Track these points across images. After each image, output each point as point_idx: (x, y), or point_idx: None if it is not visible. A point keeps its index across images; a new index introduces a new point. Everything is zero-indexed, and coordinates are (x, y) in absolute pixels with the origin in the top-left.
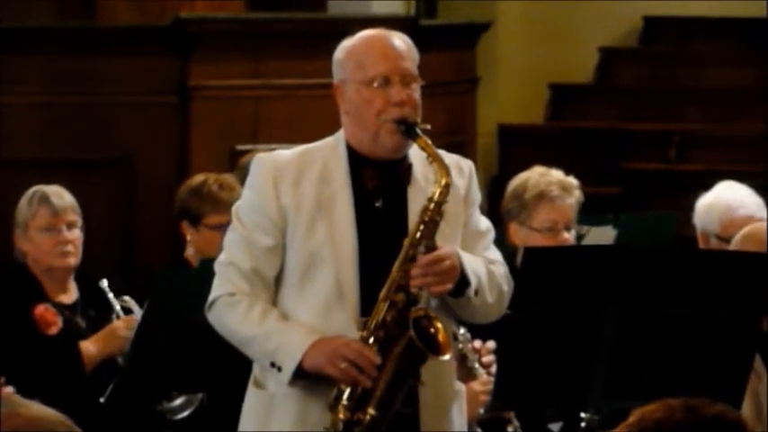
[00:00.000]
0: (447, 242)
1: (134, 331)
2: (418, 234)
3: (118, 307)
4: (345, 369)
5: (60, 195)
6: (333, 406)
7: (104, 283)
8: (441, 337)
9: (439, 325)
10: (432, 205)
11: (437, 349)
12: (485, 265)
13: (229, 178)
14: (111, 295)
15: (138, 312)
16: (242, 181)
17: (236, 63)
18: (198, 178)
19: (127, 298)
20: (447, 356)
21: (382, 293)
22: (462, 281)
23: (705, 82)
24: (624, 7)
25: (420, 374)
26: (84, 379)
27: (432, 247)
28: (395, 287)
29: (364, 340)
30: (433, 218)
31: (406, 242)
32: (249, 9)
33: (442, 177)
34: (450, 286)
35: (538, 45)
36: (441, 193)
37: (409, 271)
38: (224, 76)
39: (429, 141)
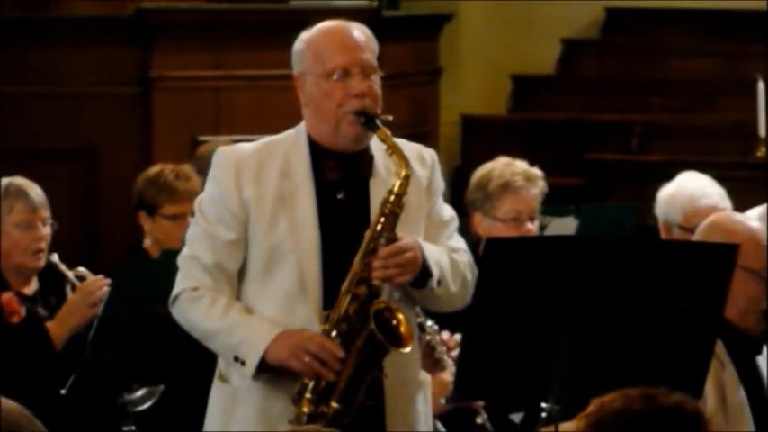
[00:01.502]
0: (410, 233)
1: (92, 295)
2: (379, 226)
3: (71, 275)
4: (308, 363)
5: (35, 190)
6: (296, 399)
7: (55, 257)
8: (403, 329)
9: (401, 317)
10: (392, 197)
11: (399, 342)
12: (447, 255)
13: (186, 168)
14: (63, 267)
15: (91, 276)
16: (199, 171)
17: (198, 54)
18: (154, 169)
19: (81, 269)
20: (408, 349)
21: (344, 286)
22: (424, 271)
23: (667, 73)
24: None
25: (383, 367)
26: (55, 359)
27: (393, 240)
28: (356, 280)
29: (326, 333)
30: (394, 210)
31: (367, 235)
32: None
33: (402, 169)
34: (410, 277)
35: (500, 36)
36: (401, 185)
37: (370, 263)
38: (186, 66)
39: (389, 133)
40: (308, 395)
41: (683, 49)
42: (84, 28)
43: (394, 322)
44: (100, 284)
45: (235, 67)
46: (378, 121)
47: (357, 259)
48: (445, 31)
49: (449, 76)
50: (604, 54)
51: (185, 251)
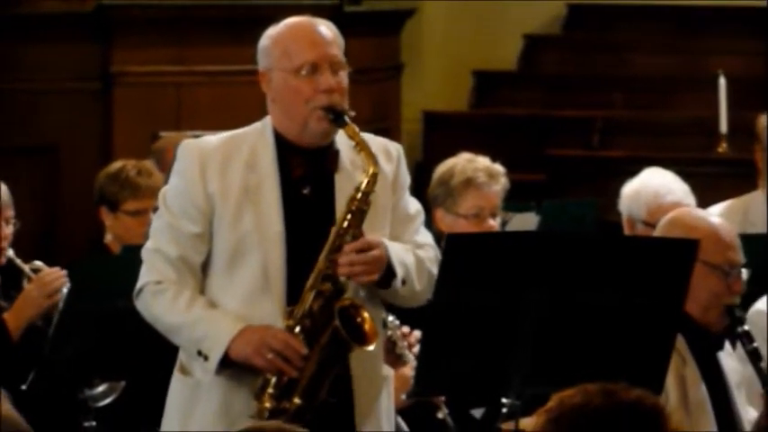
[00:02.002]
0: (376, 229)
1: (48, 286)
2: (345, 223)
3: (27, 269)
4: (271, 360)
5: (2, 188)
6: (258, 395)
7: (10, 252)
8: (367, 326)
9: (365, 315)
10: (359, 195)
11: (363, 339)
12: (413, 252)
13: (148, 164)
14: (18, 261)
15: (46, 269)
16: (158, 164)
17: (159, 49)
18: (116, 164)
19: (37, 262)
20: (372, 347)
21: (309, 282)
22: (389, 271)
23: (628, 69)
24: None
25: (348, 363)
26: (12, 349)
27: (359, 237)
28: (321, 276)
29: (290, 329)
30: (360, 207)
31: (333, 231)
32: None
33: (370, 166)
34: (376, 276)
35: (462, 32)
36: (368, 183)
37: (336, 260)
38: (147, 62)
39: (357, 129)
40: (270, 390)
41: (644, 46)
42: (44, 24)
43: (358, 320)
44: (56, 276)
45: (196, 62)
46: (346, 118)
47: (322, 256)
48: (407, 26)
49: (410, 71)
50: (566, 50)
51: (149, 244)
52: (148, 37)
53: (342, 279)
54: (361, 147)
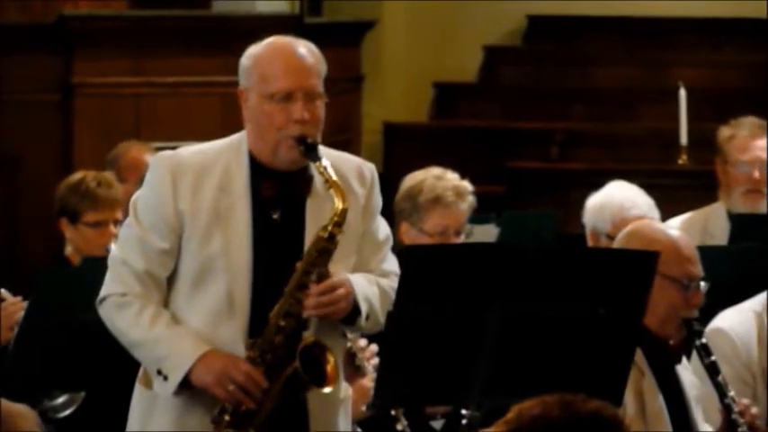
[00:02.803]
0: (344, 255)
1: (17, 318)
2: (311, 261)
3: None
4: (232, 391)
5: None
6: (216, 419)
7: None
8: (329, 368)
9: (329, 357)
10: (325, 234)
11: (322, 381)
12: (376, 284)
13: (108, 175)
14: None
15: (11, 298)
16: (115, 174)
17: (120, 60)
18: (76, 176)
19: (2, 290)
20: (329, 389)
21: (272, 316)
22: (353, 308)
23: (589, 81)
24: (508, 6)
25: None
26: None
27: (325, 275)
28: (284, 312)
29: (252, 361)
30: (327, 247)
31: (299, 268)
32: (132, 6)
33: (338, 203)
34: (342, 314)
35: (422, 43)
36: (335, 223)
37: (301, 299)
38: (107, 73)
39: (327, 165)
40: (227, 418)
41: (604, 57)
42: (5, 35)
43: (321, 359)
44: (16, 308)
45: (156, 73)
46: (319, 152)
47: (287, 292)
48: (367, 38)
49: (371, 83)
50: (526, 62)
51: (117, 252)
52: (108, 48)
53: (305, 316)
54: (331, 184)
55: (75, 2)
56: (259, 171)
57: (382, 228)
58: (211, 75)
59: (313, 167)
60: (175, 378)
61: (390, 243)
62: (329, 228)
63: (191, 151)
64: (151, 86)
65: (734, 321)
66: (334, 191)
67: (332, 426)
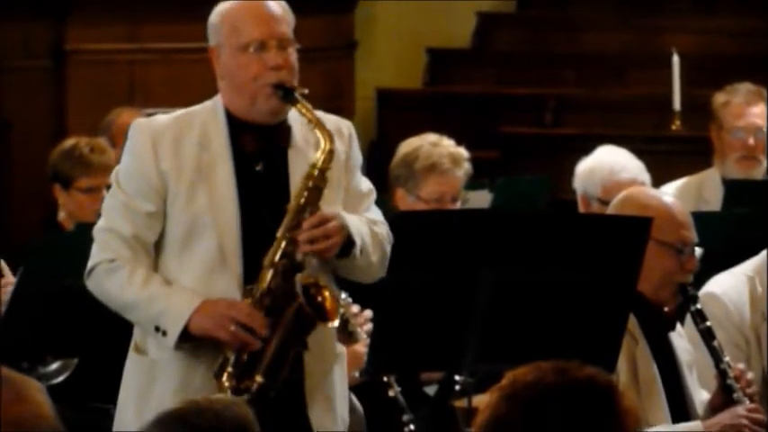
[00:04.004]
0: (329, 206)
1: (7, 294)
2: (302, 200)
3: None
4: (235, 332)
5: None
6: (218, 374)
7: None
8: (328, 304)
9: (327, 293)
10: (315, 172)
11: (325, 316)
12: (368, 225)
13: (101, 141)
14: None
15: (9, 275)
16: (108, 140)
17: (113, 27)
18: (69, 142)
19: (1, 262)
20: (335, 323)
21: (266, 260)
22: (347, 241)
23: (582, 47)
24: None
25: (306, 342)
26: None
27: (316, 213)
28: (280, 253)
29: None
30: (317, 184)
31: (291, 208)
32: None
33: (325, 143)
34: (337, 248)
35: (415, 10)
36: (324, 160)
37: (294, 238)
38: (100, 40)
39: (309, 106)
40: (230, 369)
41: (597, 23)
42: None
43: (319, 298)
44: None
45: (149, 40)
46: (296, 95)
47: (280, 233)
48: (360, 4)
49: (364, 49)
50: (519, 28)
51: (101, 223)
52: (101, 15)
53: (299, 256)
54: (315, 123)
55: None
56: (237, 126)
57: (364, 181)
58: (204, 41)
59: (295, 116)
60: (175, 331)
61: (374, 195)
62: (319, 164)
63: (167, 116)
64: (144, 53)
65: (726, 286)
66: (319, 130)
67: (329, 378)
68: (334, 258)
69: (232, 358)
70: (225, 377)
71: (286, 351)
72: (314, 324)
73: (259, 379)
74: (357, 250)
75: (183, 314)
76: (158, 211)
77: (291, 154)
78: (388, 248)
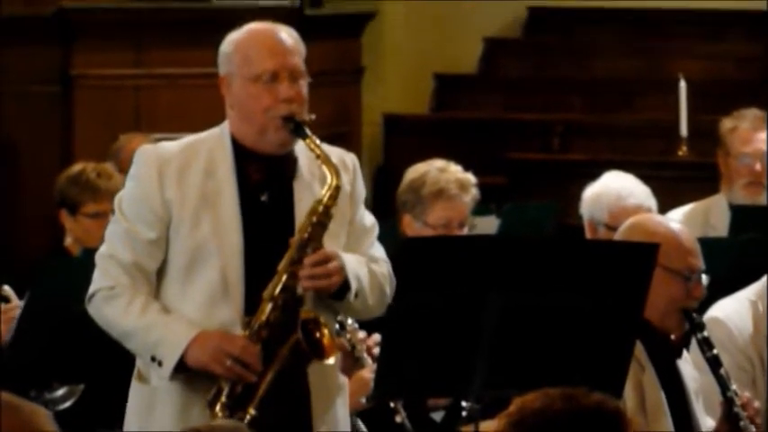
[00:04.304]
0: (332, 240)
1: (13, 319)
2: (305, 236)
3: None
4: (230, 366)
5: None
6: (212, 403)
7: None
8: (326, 341)
9: (326, 330)
10: (320, 208)
11: (322, 353)
12: (366, 266)
13: (108, 167)
14: None
15: (16, 301)
16: (116, 165)
17: (120, 52)
18: (76, 167)
19: (6, 287)
20: (331, 360)
21: (267, 293)
22: (343, 283)
23: (589, 72)
24: None
25: (307, 375)
26: None
27: (318, 250)
28: (280, 287)
29: (247, 339)
30: (322, 220)
31: (294, 242)
32: None
33: (332, 179)
34: (334, 287)
35: (423, 35)
36: (330, 197)
37: (296, 272)
38: (107, 65)
39: (318, 141)
40: (223, 399)
41: (605, 49)
42: (5, 27)
43: (318, 334)
44: (14, 311)
45: (155, 65)
46: (307, 129)
47: (282, 267)
48: (368, 29)
49: (371, 75)
50: (526, 53)
51: (103, 249)
52: (108, 40)
53: (300, 291)
54: (323, 159)
55: None
56: (244, 155)
57: (368, 215)
58: (211, 66)
59: (301, 147)
60: (170, 362)
61: (377, 230)
62: (324, 200)
63: (174, 143)
64: (150, 78)
65: (729, 310)
66: (326, 167)
67: (333, 411)
68: (329, 298)
69: (226, 389)
70: (218, 407)
71: (280, 385)
72: (310, 360)
73: (252, 411)
74: (352, 295)
75: (179, 345)
76: (161, 239)
77: (297, 185)
78: (388, 288)
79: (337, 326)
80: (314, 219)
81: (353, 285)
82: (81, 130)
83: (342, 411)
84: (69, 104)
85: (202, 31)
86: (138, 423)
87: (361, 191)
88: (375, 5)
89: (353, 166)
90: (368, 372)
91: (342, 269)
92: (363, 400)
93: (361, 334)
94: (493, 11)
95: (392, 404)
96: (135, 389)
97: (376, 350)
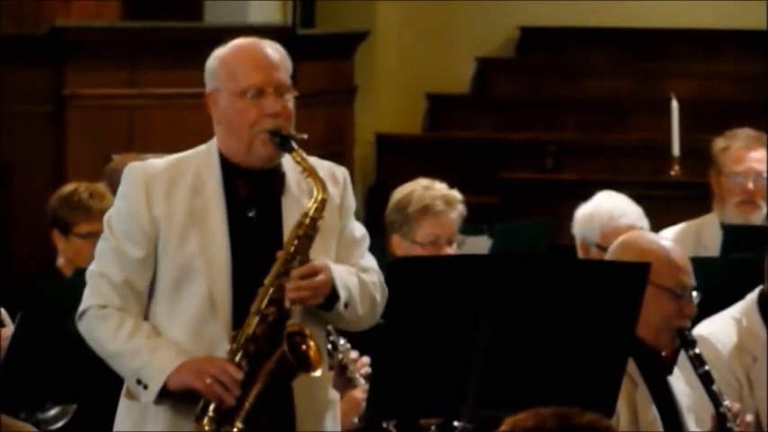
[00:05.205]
0: (322, 252)
1: (6, 339)
2: (292, 248)
3: None
4: (210, 384)
5: None
6: (199, 417)
7: None
8: (312, 353)
9: (312, 343)
10: (307, 220)
11: (308, 366)
12: (357, 276)
13: (100, 187)
14: None
15: (10, 324)
16: (110, 186)
17: (112, 72)
18: (68, 187)
19: (1, 310)
20: (318, 373)
21: (254, 307)
22: (332, 294)
23: (581, 92)
24: (501, 17)
25: (292, 390)
26: None
27: (305, 263)
28: (267, 300)
29: (233, 353)
30: (308, 233)
31: (281, 256)
32: (124, 18)
33: (318, 192)
34: (321, 299)
35: (415, 55)
36: (316, 209)
37: (283, 285)
38: (99, 84)
39: (304, 155)
40: (210, 413)
41: (597, 68)
42: None
43: (304, 347)
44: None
45: (149, 85)
46: (293, 143)
47: (268, 280)
48: (360, 49)
49: (364, 94)
50: (519, 73)
51: (93, 267)
52: (101, 60)
53: (287, 304)
54: (309, 172)
55: (67, 12)
56: (231, 171)
57: (358, 227)
58: (204, 86)
59: (287, 162)
60: (155, 386)
61: (367, 241)
62: (310, 213)
63: (161, 161)
64: (143, 98)
65: (715, 328)
66: (313, 180)
67: (320, 425)
68: (319, 309)
69: (213, 403)
70: (205, 421)
71: (266, 399)
72: (296, 373)
73: (239, 425)
74: (341, 304)
75: (164, 370)
76: (149, 257)
77: (285, 201)
78: (380, 298)
79: (330, 346)
80: (300, 231)
81: (342, 295)
82: (74, 150)
83: (330, 425)
84: (62, 124)
85: (196, 51)
86: None
87: (351, 203)
88: (368, 25)
89: (344, 179)
90: (360, 392)
91: (329, 281)
92: (356, 420)
93: (354, 354)
94: (485, 31)
95: (384, 424)
96: (124, 405)
97: (365, 370)
